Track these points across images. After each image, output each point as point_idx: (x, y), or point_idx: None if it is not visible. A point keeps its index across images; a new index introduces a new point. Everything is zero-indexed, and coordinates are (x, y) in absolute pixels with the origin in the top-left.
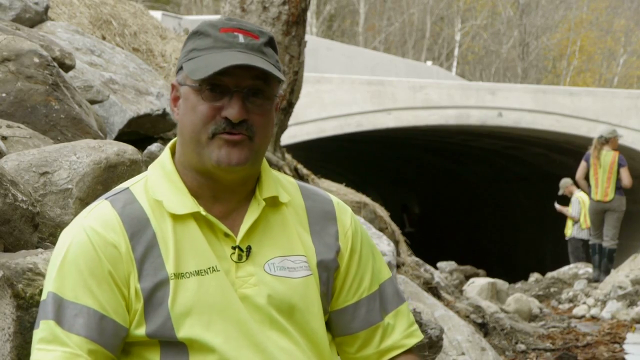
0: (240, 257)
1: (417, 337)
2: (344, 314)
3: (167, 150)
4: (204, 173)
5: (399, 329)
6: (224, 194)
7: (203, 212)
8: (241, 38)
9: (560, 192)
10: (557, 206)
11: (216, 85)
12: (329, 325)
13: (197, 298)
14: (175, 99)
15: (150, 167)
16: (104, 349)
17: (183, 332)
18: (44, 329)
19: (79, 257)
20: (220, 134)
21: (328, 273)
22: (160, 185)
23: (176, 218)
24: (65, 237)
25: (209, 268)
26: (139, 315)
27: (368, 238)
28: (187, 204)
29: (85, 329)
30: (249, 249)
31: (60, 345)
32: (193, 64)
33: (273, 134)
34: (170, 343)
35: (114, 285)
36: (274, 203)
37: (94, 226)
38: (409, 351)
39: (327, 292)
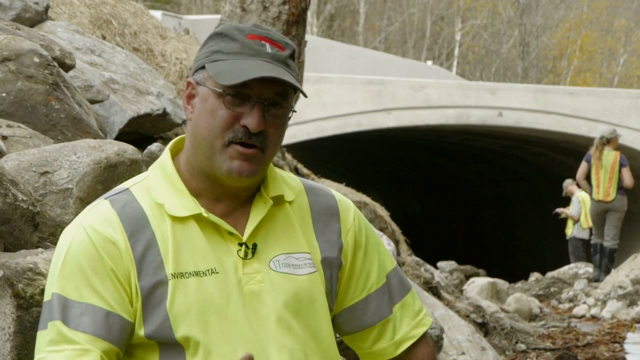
0: (246, 255)
1: (425, 325)
2: (354, 310)
3: (167, 152)
4: (211, 177)
5: (407, 320)
6: (227, 196)
7: (205, 214)
8: (268, 48)
9: (563, 194)
10: (557, 210)
11: (238, 93)
12: (339, 324)
13: (196, 299)
14: (190, 97)
15: (150, 168)
16: (112, 345)
17: (181, 332)
18: (51, 330)
19: (80, 255)
20: (236, 143)
21: (332, 271)
22: (161, 187)
23: (176, 219)
24: (66, 237)
25: (208, 270)
26: (139, 315)
27: (372, 231)
28: (189, 205)
29: (92, 326)
30: (254, 246)
31: (69, 343)
32: (219, 67)
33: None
34: (168, 344)
35: (116, 281)
36: (278, 201)
37: (93, 225)
38: (420, 338)
39: (332, 290)
